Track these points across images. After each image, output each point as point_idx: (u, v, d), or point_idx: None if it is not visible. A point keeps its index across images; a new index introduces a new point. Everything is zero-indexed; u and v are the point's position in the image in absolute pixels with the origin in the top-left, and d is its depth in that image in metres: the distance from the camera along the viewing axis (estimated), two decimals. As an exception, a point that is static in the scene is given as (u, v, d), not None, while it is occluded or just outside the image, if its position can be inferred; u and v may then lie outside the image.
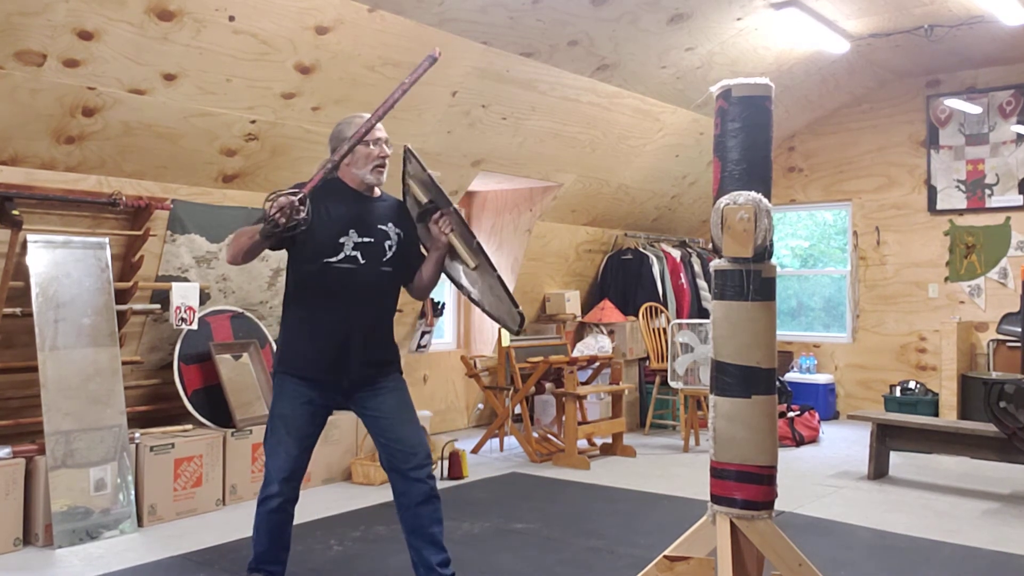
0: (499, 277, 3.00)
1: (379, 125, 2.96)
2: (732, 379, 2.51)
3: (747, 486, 2.49)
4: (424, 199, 3.05)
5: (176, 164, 4.56)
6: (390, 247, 3.01)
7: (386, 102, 2.81)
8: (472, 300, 3.10)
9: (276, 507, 2.96)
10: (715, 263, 2.60)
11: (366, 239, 2.96)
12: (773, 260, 2.61)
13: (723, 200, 2.53)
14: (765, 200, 2.49)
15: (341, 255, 2.92)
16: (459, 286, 3.12)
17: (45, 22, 3.62)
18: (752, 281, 2.50)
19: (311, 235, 2.88)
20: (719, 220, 2.52)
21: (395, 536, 4.09)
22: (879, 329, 7.97)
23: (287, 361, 3.01)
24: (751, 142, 2.55)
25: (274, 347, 5.25)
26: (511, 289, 3.25)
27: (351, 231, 2.94)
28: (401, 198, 3.16)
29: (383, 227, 3.01)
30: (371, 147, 2.96)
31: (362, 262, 2.95)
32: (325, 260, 2.91)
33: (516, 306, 2.98)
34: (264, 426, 4.77)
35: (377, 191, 3.08)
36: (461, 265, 3.08)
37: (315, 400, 3.00)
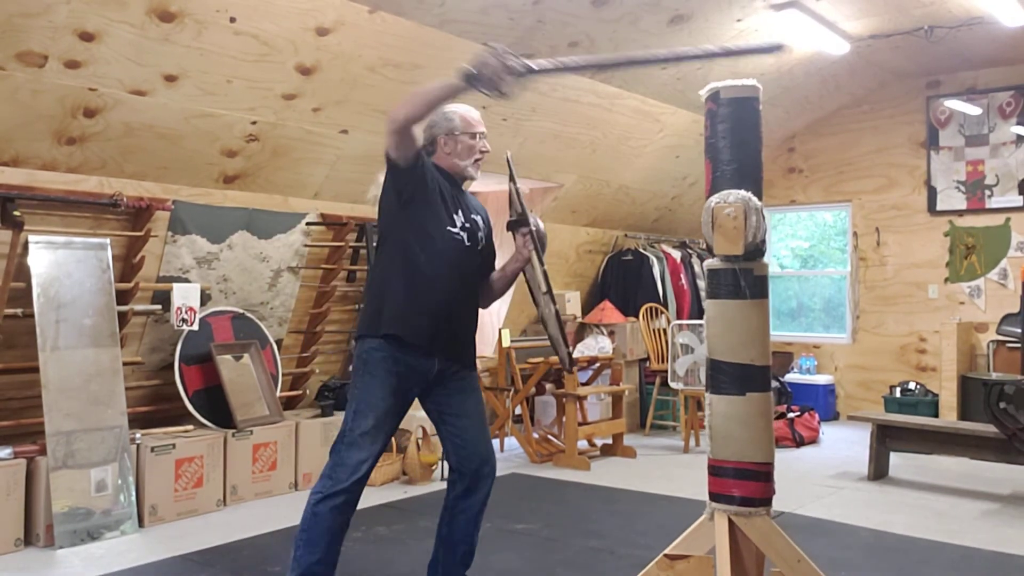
0: (557, 312, 2.96)
1: (480, 119, 3.01)
2: (727, 377, 2.52)
3: (745, 483, 2.50)
4: (519, 209, 3.03)
5: (177, 165, 4.57)
6: (482, 238, 3.02)
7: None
8: (541, 318, 3.08)
9: (343, 504, 2.74)
10: (708, 262, 2.62)
11: (467, 224, 2.96)
12: (768, 259, 2.61)
13: (713, 199, 2.55)
14: (755, 198, 2.51)
15: (458, 227, 2.92)
16: (535, 299, 3.13)
17: (46, 23, 3.63)
18: (744, 279, 2.51)
19: (434, 200, 2.86)
20: (709, 219, 2.53)
21: (396, 537, 4.10)
22: (879, 330, 7.98)
23: (388, 323, 2.82)
24: (740, 142, 2.57)
25: (275, 348, 5.26)
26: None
27: (457, 215, 2.94)
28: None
29: (476, 218, 3.02)
30: (476, 140, 2.98)
31: (467, 243, 2.94)
32: (447, 227, 2.88)
33: (567, 345, 2.97)
34: (266, 426, 4.85)
35: (465, 184, 3.07)
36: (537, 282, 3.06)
37: (407, 390, 2.88)
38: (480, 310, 3.09)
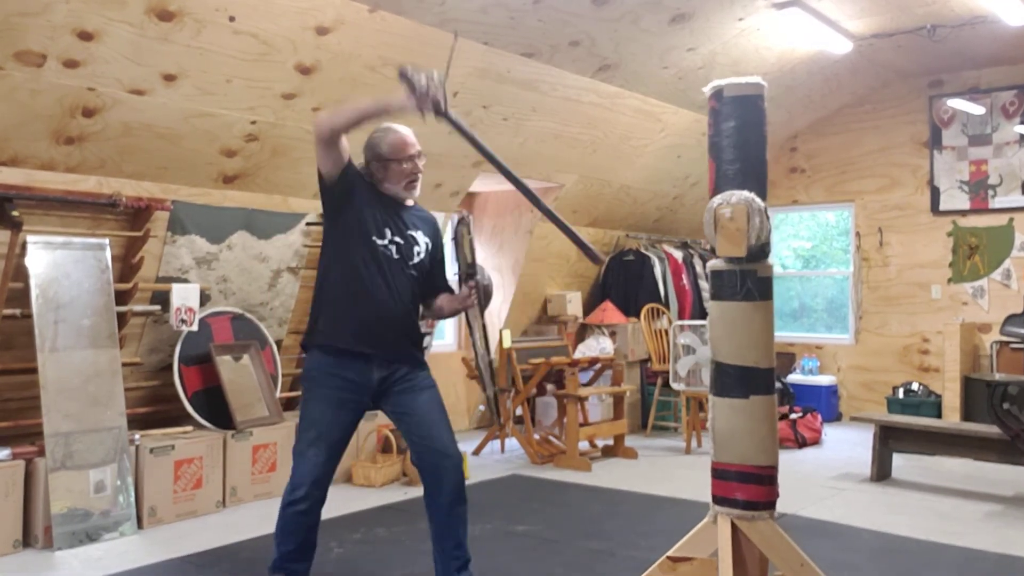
0: (489, 362, 3.15)
1: (413, 140, 3.06)
2: (730, 379, 2.50)
3: (748, 486, 2.48)
4: (470, 260, 3.16)
5: (176, 165, 4.56)
6: (418, 253, 3.08)
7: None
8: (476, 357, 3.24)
9: (304, 510, 2.98)
10: (711, 263, 2.61)
11: (398, 239, 3.04)
12: (772, 260, 2.59)
13: (715, 200, 2.53)
14: (758, 199, 2.48)
15: (385, 240, 3.01)
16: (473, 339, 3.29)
17: (45, 22, 3.62)
18: (748, 281, 2.49)
19: (361, 214, 2.98)
20: (712, 220, 2.51)
21: (396, 539, 4.08)
22: (882, 330, 7.95)
23: (322, 333, 3.00)
24: (744, 141, 2.55)
25: (275, 348, 5.24)
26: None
27: (386, 229, 3.02)
28: (427, 213, 3.24)
29: (413, 233, 3.09)
30: (404, 165, 3.04)
31: (395, 256, 3.02)
32: (373, 238, 2.98)
33: (493, 384, 3.18)
34: (266, 427, 4.84)
35: (410, 201, 3.14)
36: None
37: (348, 401, 3.00)
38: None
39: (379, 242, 2.99)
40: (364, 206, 3.00)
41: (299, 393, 5.51)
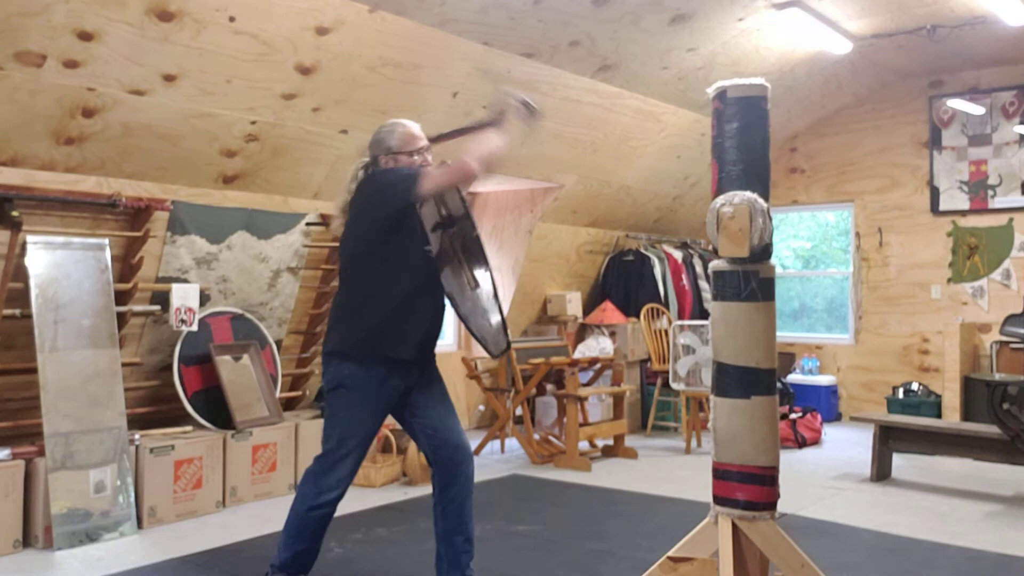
0: (497, 303, 3.05)
1: (420, 133, 3.12)
2: (731, 380, 2.51)
3: (748, 487, 2.48)
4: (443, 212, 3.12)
5: (176, 165, 4.55)
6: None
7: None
8: (458, 314, 3.12)
9: (332, 512, 3.02)
10: (713, 264, 2.61)
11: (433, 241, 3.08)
12: (773, 261, 2.60)
13: (718, 201, 2.53)
14: (761, 200, 2.49)
15: (429, 245, 3.02)
16: (450, 297, 3.15)
17: (45, 23, 3.62)
18: (750, 281, 2.49)
19: (415, 224, 2.97)
20: (714, 220, 2.51)
21: (396, 539, 4.08)
22: (882, 330, 7.95)
23: (376, 342, 2.96)
24: (748, 143, 2.55)
25: (275, 348, 5.24)
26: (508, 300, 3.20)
27: (426, 235, 3.05)
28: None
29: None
30: (414, 157, 3.08)
31: (434, 255, 3.05)
32: (426, 247, 2.99)
33: (506, 335, 3.07)
34: (266, 427, 4.83)
35: None
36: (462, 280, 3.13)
37: (388, 409, 3.05)
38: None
39: (427, 249, 3.00)
40: (415, 218, 2.99)
41: (299, 393, 5.57)
